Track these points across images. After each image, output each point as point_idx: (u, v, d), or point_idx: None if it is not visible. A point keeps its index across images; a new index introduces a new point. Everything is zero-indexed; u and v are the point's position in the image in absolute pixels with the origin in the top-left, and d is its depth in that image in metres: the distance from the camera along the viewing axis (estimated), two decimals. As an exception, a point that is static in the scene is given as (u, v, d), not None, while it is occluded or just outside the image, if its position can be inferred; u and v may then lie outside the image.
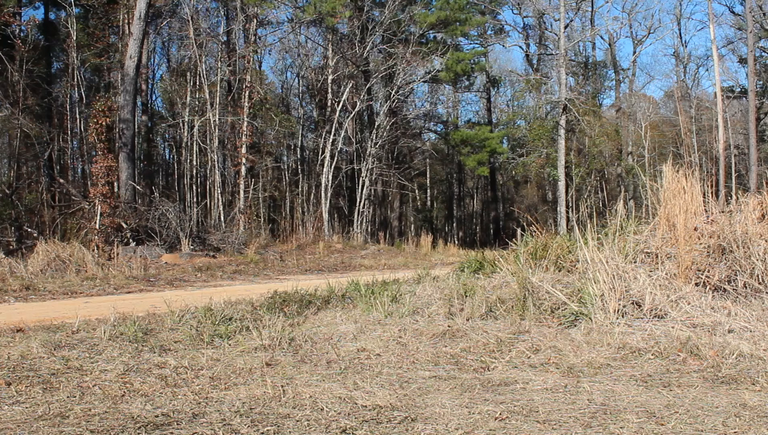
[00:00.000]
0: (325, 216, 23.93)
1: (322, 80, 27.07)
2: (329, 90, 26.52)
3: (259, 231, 21.80)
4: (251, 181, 23.92)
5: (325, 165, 24.47)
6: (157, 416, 3.08)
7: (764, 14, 28.73)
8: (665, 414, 3.14)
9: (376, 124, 26.15)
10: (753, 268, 5.30)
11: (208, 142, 23.13)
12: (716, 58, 25.31)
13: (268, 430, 2.91)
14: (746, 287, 5.27)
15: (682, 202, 5.72)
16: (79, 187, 20.28)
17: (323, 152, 24.81)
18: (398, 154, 30.95)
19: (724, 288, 5.32)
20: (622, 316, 4.95)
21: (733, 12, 33.18)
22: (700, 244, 5.68)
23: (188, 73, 25.52)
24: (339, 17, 25.75)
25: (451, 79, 30.38)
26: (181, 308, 5.77)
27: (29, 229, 15.94)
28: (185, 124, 24.37)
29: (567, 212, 27.61)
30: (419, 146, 33.84)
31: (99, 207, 14.67)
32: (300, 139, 28.57)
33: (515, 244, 7.66)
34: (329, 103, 26.31)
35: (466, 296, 5.83)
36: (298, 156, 28.78)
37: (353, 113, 25.70)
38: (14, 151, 21.28)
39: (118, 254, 13.65)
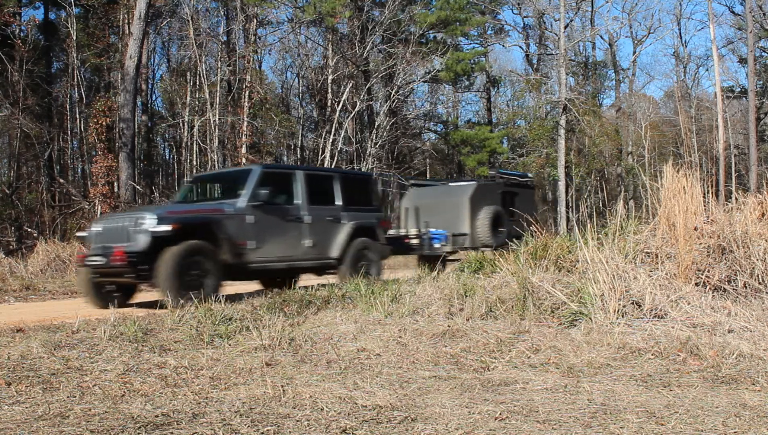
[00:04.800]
0: (326, 216, 23.89)
1: (322, 80, 27.05)
2: (329, 90, 26.50)
3: (259, 231, 21.74)
4: (251, 181, 23.86)
5: (325, 165, 24.45)
6: (157, 416, 3.08)
7: (764, 14, 28.73)
8: (665, 414, 3.14)
9: (376, 124, 26.13)
10: (753, 268, 5.29)
11: (208, 142, 23.12)
12: (716, 58, 25.32)
13: (268, 430, 2.91)
14: (746, 287, 5.26)
15: (682, 202, 5.70)
16: (79, 187, 20.29)
17: (323, 152, 24.79)
18: (398, 154, 30.93)
19: (724, 288, 5.31)
20: (622, 316, 4.94)
21: (733, 12, 33.25)
22: (700, 244, 5.68)
23: (188, 73, 25.52)
24: (339, 17, 25.75)
25: (451, 79, 30.38)
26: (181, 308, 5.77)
27: (29, 229, 15.95)
28: (185, 124, 24.36)
29: (567, 212, 27.63)
30: (419, 146, 33.82)
31: (99, 207, 14.68)
32: (300, 139, 28.56)
33: (515, 243, 7.66)
34: (329, 103, 26.30)
35: (466, 296, 5.83)
36: (298, 156, 28.76)
37: (353, 113, 25.69)
38: (14, 151, 21.28)
39: (118, 254, 13.61)
